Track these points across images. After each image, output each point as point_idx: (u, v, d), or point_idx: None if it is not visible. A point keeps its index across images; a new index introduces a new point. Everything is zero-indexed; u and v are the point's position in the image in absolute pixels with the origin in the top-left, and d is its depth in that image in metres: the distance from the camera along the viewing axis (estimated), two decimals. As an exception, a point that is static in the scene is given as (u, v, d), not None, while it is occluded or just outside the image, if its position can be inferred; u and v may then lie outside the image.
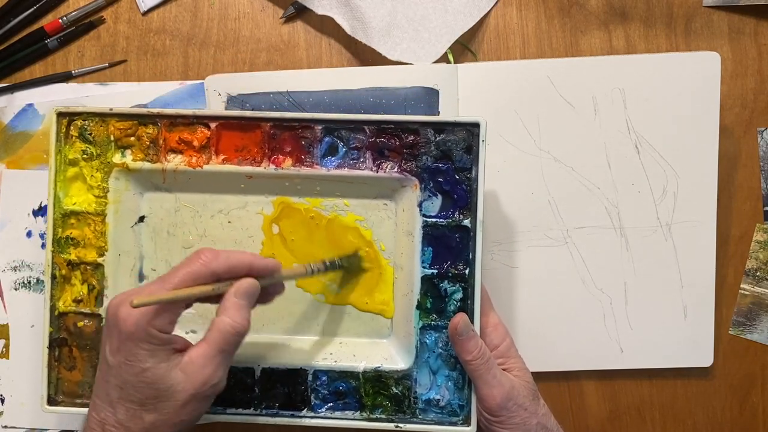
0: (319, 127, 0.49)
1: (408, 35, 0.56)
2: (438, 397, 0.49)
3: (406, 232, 0.50)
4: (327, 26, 0.59)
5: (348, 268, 0.51)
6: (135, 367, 0.39)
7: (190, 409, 0.40)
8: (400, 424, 0.49)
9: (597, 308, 0.57)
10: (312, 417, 0.50)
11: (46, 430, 0.57)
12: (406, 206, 0.50)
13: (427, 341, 0.49)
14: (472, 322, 0.48)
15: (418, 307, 0.50)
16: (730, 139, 0.58)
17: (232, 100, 0.56)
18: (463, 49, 0.59)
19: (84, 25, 0.59)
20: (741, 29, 0.59)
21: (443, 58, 0.56)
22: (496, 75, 0.56)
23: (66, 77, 0.58)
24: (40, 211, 0.59)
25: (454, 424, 0.49)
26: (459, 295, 0.49)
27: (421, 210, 0.49)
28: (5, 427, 0.57)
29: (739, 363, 0.59)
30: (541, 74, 0.56)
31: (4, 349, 0.58)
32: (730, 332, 0.59)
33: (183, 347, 0.42)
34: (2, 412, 0.58)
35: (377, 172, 0.49)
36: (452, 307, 0.49)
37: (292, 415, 0.50)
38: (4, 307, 0.59)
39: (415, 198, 0.50)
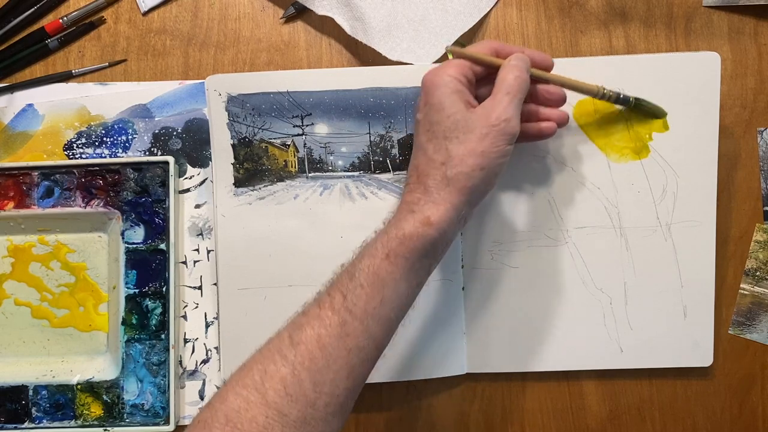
0: (36, 174, 0.57)
1: (408, 35, 0.56)
2: (143, 402, 0.56)
3: (114, 259, 0.57)
4: (327, 26, 0.59)
5: (640, 110, 0.55)
6: (443, 112, 0.47)
7: (488, 142, 0.46)
8: (109, 428, 0.56)
9: (597, 308, 0.57)
10: (33, 428, 0.57)
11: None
12: (114, 236, 0.58)
13: (133, 353, 0.56)
14: (168, 334, 0.56)
15: (123, 323, 0.57)
16: (730, 139, 0.58)
17: (233, 100, 0.56)
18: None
19: (84, 26, 0.59)
20: (741, 29, 0.59)
21: (443, 58, 0.56)
22: (496, 75, 0.56)
23: (66, 77, 0.59)
24: (41, 211, 0.59)
25: (157, 424, 0.56)
26: (159, 310, 0.57)
27: (123, 238, 0.57)
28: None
29: (738, 363, 0.59)
30: (541, 74, 0.56)
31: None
32: (729, 332, 0.59)
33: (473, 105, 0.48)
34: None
35: (86, 207, 0.57)
36: (154, 321, 0.57)
37: (15, 428, 0.57)
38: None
39: (119, 228, 0.57)
